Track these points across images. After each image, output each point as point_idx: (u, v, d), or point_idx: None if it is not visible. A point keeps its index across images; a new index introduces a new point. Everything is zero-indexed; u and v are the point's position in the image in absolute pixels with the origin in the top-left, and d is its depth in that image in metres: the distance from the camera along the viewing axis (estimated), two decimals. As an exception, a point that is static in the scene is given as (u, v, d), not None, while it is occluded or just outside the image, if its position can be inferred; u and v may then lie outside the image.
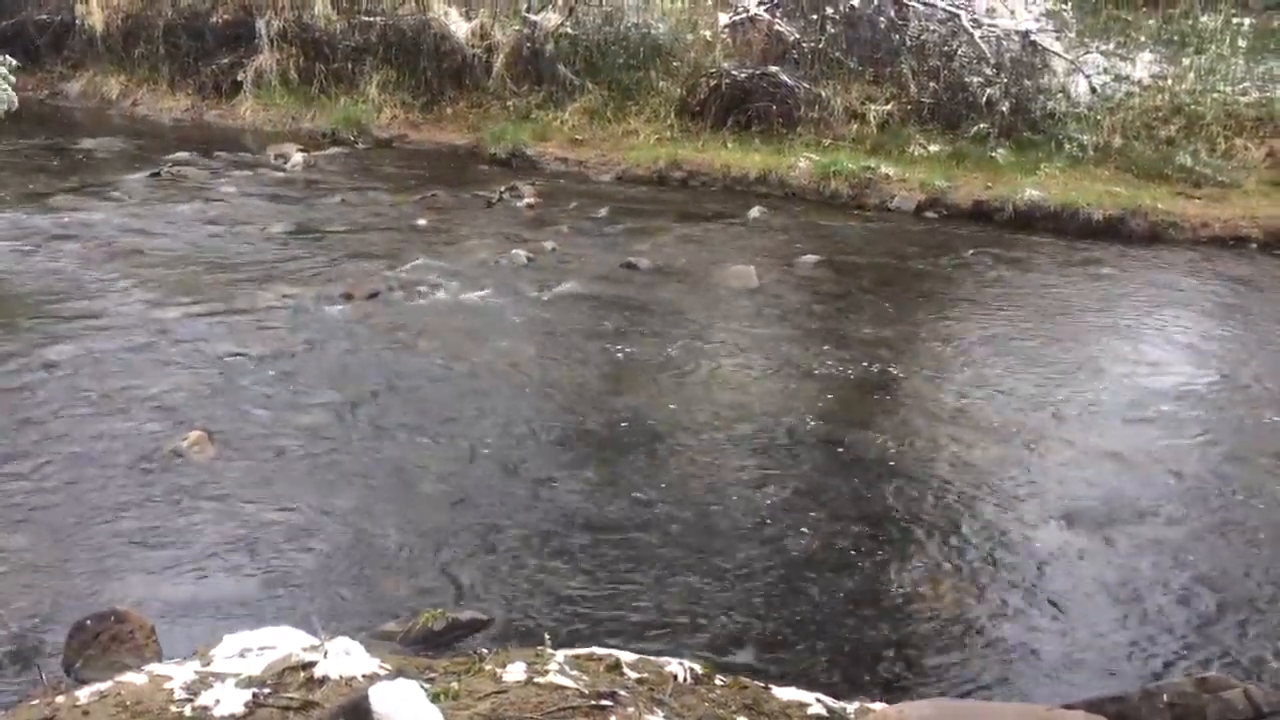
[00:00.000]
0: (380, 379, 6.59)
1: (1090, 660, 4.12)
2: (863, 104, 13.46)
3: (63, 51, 17.60)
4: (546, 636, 3.37)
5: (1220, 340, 8.01)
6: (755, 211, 11.31)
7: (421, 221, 10.57)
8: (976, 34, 13.59)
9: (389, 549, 4.73)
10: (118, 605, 3.82)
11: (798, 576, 4.63)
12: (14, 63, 10.31)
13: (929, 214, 11.59)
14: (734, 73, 13.77)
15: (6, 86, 9.82)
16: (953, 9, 13.71)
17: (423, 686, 2.49)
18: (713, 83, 13.80)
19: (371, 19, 15.53)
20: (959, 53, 13.64)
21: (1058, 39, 14.36)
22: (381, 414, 6.11)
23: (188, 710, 2.61)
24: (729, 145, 13.38)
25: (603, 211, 11.27)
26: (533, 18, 14.96)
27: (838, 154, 12.67)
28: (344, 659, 2.78)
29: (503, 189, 11.91)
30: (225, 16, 16.29)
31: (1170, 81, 13.84)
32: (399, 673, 2.76)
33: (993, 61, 13.53)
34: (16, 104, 10.05)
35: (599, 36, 14.96)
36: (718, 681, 2.92)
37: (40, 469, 5.27)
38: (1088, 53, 14.50)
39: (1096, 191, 11.43)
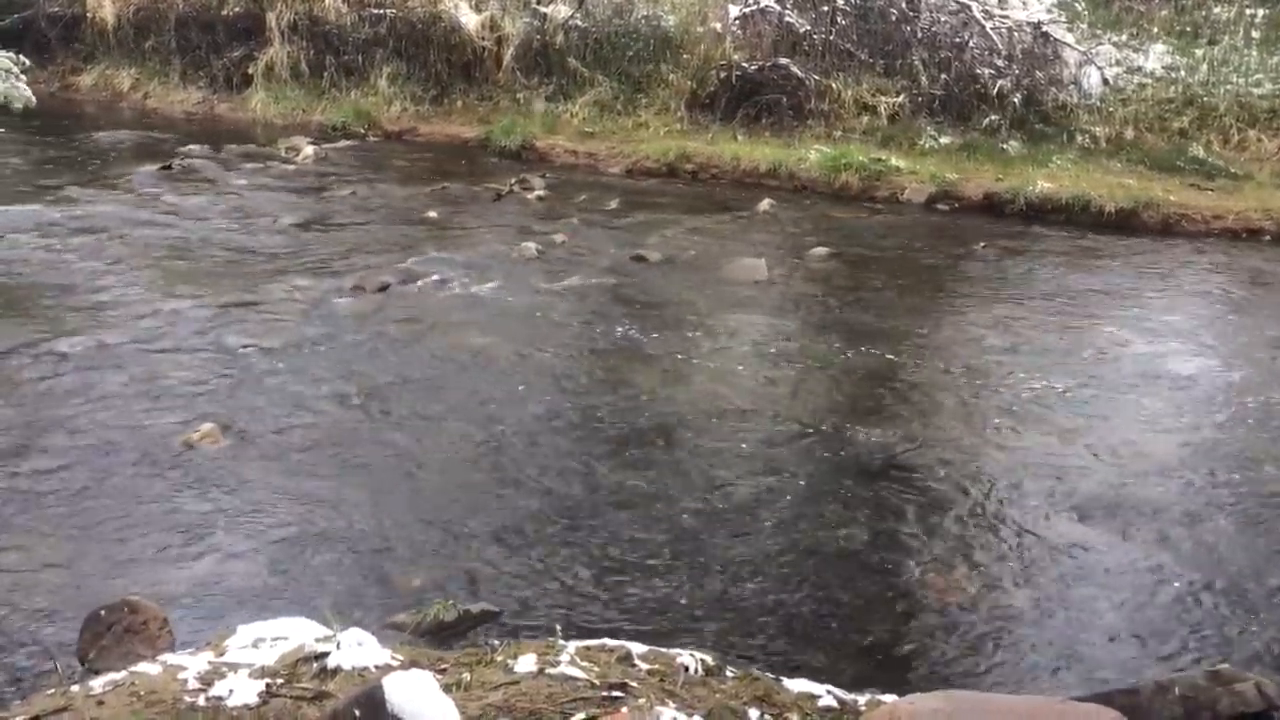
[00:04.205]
0: (391, 371, 6.61)
1: (1102, 652, 4.12)
2: (873, 96, 13.43)
3: (74, 45, 17.63)
4: (557, 628, 3.39)
5: (1233, 332, 7.97)
6: (765, 204, 11.29)
7: (431, 214, 10.58)
8: (988, 25, 13.54)
9: (400, 540, 4.74)
10: (131, 596, 3.84)
11: (809, 567, 4.63)
12: (26, 61, 10.36)
13: (940, 206, 11.56)
14: (744, 65, 13.74)
15: (21, 84, 9.86)
16: (964, 0, 13.65)
17: (435, 677, 2.51)
18: (723, 75, 13.78)
19: (381, 12, 15.52)
20: (970, 44, 13.59)
21: (1069, 30, 14.30)
22: (392, 405, 6.12)
23: (201, 700, 2.62)
24: (739, 138, 13.36)
25: (612, 204, 11.26)
26: (542, 10, 14.95)
27: (848, 146, 12.64)
28: (356, 650, 2.80)
29: (512, 181, 11.91)
30: (236, 9, 16.30)
31: (1183, 73, 13.78)
32: (411, 664, 2.77)
33: (1004, 53, 13.48)
34: (35, 101, 10.08)
35: (609, 29, 14.94)
36: (728, 673, 2.93)
37: (53, 461, 5.29)
38: (1100, 44, 14.44)
39: (1108, 184, 11.39)
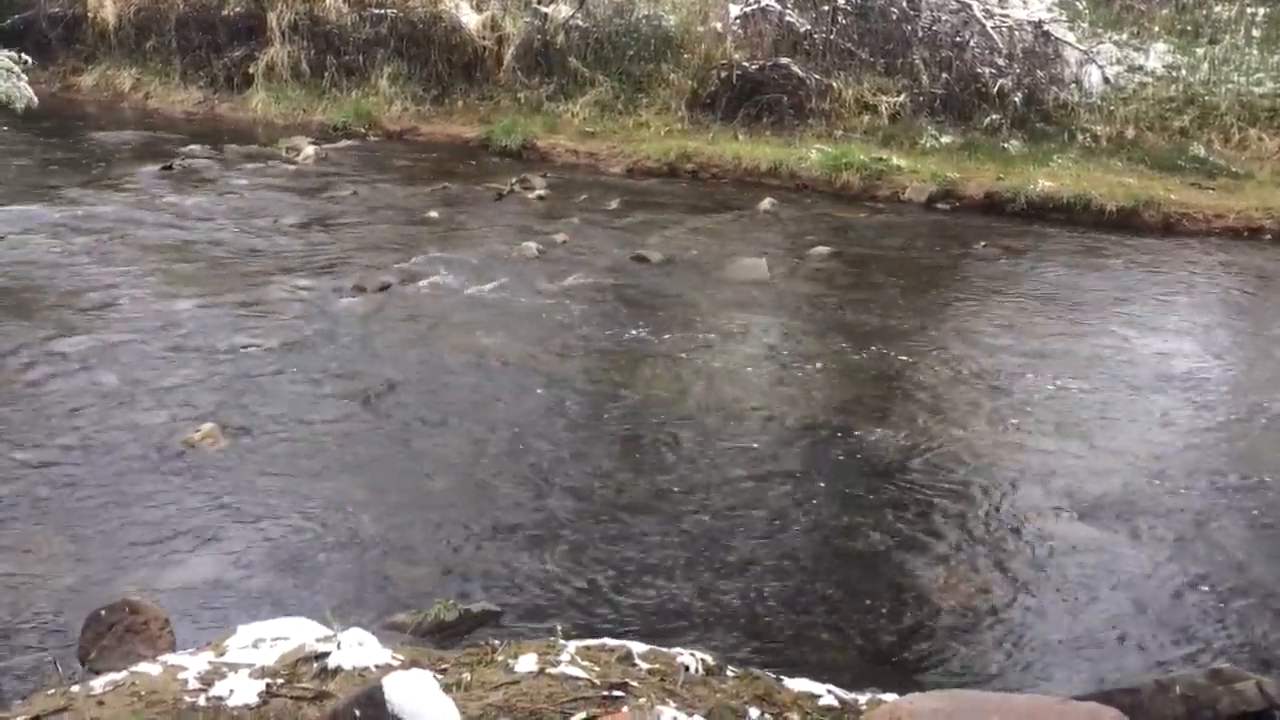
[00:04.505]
0: (391, 371, 6.61)
1: (1103, 651, 4.12)
2: (874, 95, 13.42)
3: (75, 45, 17.65)
4: (558, 627, 3.38)
5: (1236, 332, 7.97)
6: (766, 204, 11.29)
7: (432, 214, 10.58)
8: (989, 24, 13.52)
9: (401, 540, 4.74)
10: (132, 596, 3.84)
11: (810, 567, 4.63)
12: (28, 60, 10.34)
13: (940, 206, 11.55)
14: (745, 64, 13.73)
15: (23, 83, 9.85)
16: (964, -1, 13.66)
17: (435, 677, 2.51)
18: (724, 75, 13.77)
19: (382, 11, 15.53)
20: (971, 43, 13.58)
21: (1070, 29, 14.29)
22: (393, 406, 6.12)
23: (202, 700, 2.62)
24: (740, 137, 13.35)
25: (613, 204, 11.26)
26: (543, 9, 14.94)
27: (849, 146, 12.64)
28: (357, 650, 2.80)
29: (513, 181, 11.91)
30: (236, 9, 16.31)
31: (1184, 72, 13.77)
32: (412, 664, 2.77)
33: (1005, 52, 13.47)
34: (36, 101, 10.07)
35: (610, 28, 14.94)
36: (729, 673, 2.93)
37: (54, 461, 5.30)
38: (1101, 43, 14.43)
39: (1109, 183, 11.38)
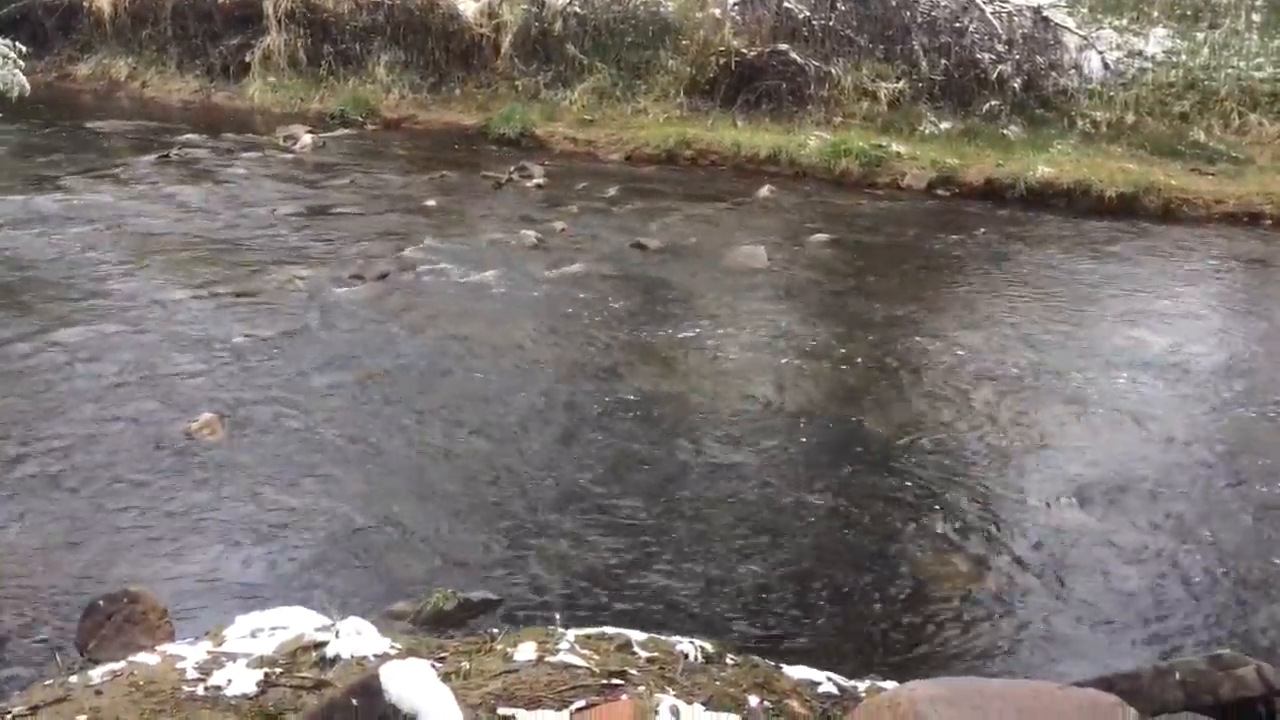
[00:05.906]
0: (390, 360, 6.60)
1: (1103, 637, 4.11)
2: (873, 82, 13.38)
3: (71, 34, 17.58)
4: (557, 616, 3.38)
5: (1233, 317, 7.95)
6: (765, 191, 11.26)
7: (430, 202, 10.56)
8: (988, 10, 13.47)
9: (400, 529, 4.74)
10: (130, 586, 3.83)
11: (809, 555, 4.63)
12: (23, 49, 10.31)
13: (940, 192, 11.52)
14: (743, 51, 13.68)
15: (17, 71, 9.82)
16: (964, -15, 13.59)
17: (434, 666, 2.50)
18: (722, 61, 13.72)
19: (379, -1, 15.48)
20: (970, 29, 13.53)
21: (1070, 14, 14.23)
22: (391, 395, 6.11)
23: (200, 690, 2.62)
24: (738, 124, 13.31)
25: (612, 191, 11.23)
26: (541, -4, 14.89)
27: (848, 132, 12.60)
28: (356, 639, 2.79)
29: (511, 169, 11.87)
30: (233, -3, 16.25)
31: (1184, 57, 13.72)
32: (410, 652, 2.77)
33: (1004, 38, 13.42)
34: (29, 89, 10.04)
35: (607, 15, 14.87)
36: (729, 660, 2.92)
37: (52, 451, 5.29)
38: (1100, 28, 14.37)
39: (1109, 168, 11.35)
